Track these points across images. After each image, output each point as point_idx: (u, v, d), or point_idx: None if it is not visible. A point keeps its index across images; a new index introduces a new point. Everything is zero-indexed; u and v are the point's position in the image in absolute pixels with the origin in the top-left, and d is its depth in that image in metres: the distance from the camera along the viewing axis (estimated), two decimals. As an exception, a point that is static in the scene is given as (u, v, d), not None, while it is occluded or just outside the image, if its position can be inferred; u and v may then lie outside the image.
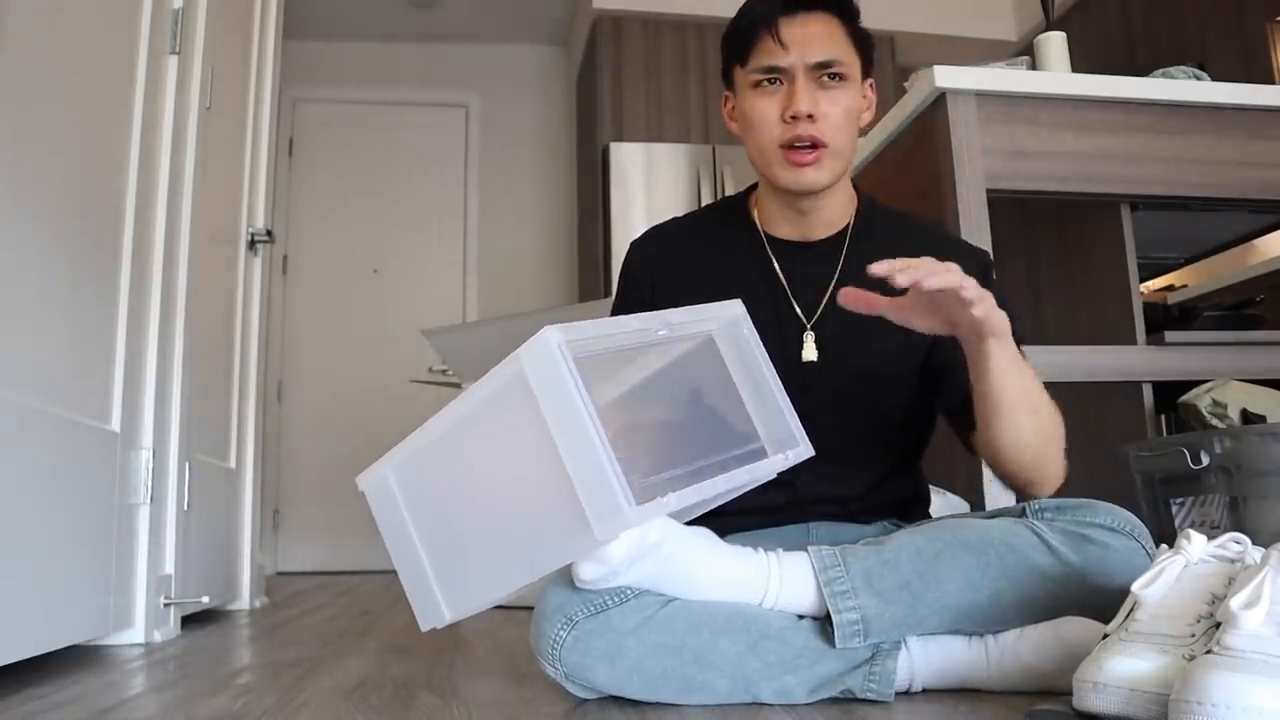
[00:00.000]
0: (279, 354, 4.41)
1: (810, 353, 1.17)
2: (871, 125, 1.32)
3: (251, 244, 2.48)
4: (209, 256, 2.09)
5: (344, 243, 4.63)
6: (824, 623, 0.99)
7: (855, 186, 1.27)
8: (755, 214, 1.27)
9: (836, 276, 1.20)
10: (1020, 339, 1.08)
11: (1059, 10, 3.29)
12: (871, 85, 1.22)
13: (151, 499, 1.70)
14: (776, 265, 1.22)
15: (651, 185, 3.80)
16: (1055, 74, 1.91)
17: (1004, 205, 1.80)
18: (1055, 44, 1.95)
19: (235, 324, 2.39)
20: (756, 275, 1.22)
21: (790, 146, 1.14)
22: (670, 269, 1.26)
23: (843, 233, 1.23)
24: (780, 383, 1.03)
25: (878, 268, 0.92)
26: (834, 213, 1.22)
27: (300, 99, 4.66)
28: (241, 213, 2.42)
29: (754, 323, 1.17)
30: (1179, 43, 3.30)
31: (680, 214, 1.34)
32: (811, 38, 1.14)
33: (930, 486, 1.32)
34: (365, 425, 4.31)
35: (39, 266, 1.35)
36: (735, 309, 1.03)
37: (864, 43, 1.19)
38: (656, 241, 1.29)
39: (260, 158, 2.53)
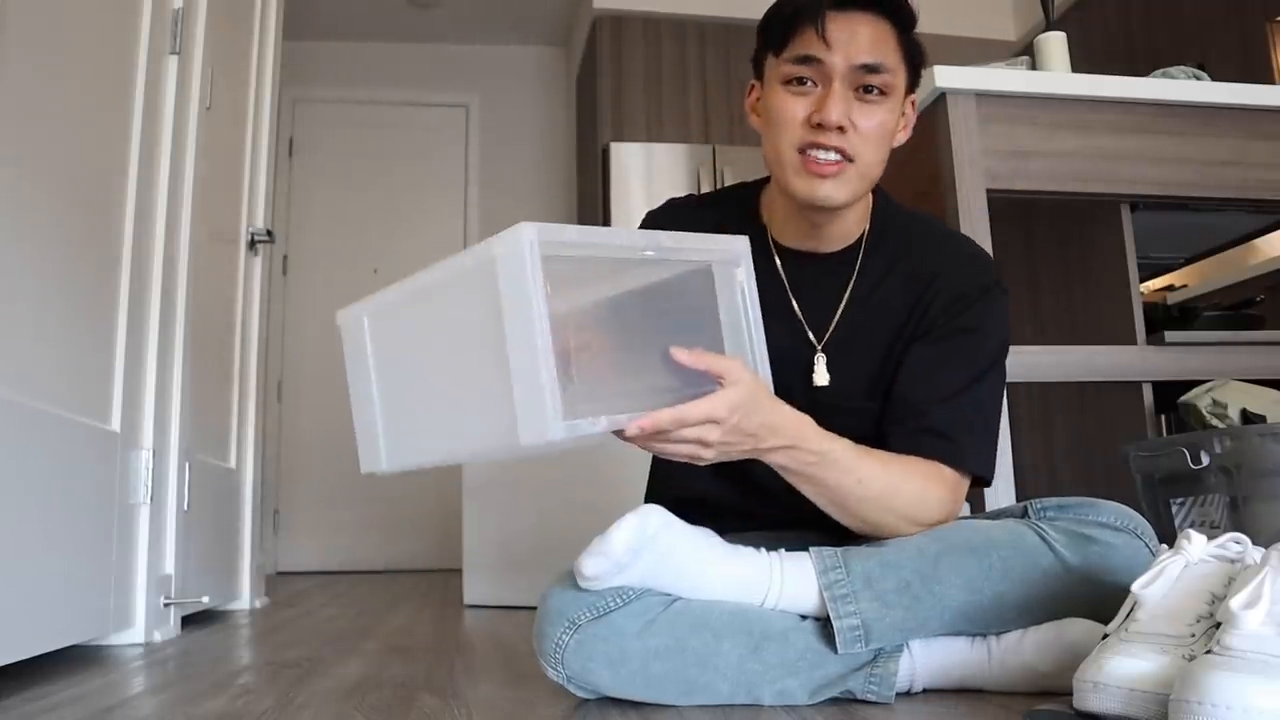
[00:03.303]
0: (279, 354, 4.40)
1: (822, 376, 1.11)
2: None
3: (251, 244, 2.48)
4: (209, 256, 2.09)
5: (344, 243, 4.63)
6: (826, 624, 0.99)
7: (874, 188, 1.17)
8: (765, 217, 1.18)
9: (848, 296, 1.13)
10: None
11: (1059, 10, 3.29)
12: (913, 103, 1.12)
13: (151, 499, 1.70)
14: (786, 282, 1.14)
15: (651, 185, 3.80)
16: (1055, 74, 1.91)
17: (1004, 205, 1.80)
18: (1055, 44, 1.95)
19: (235, 324, 2.39)
20: (766, 291, 1.07)
21: (810, 154, 1.03)
22: None
23: (856, 244, 1.14)
24: (763, 334, 0.99)
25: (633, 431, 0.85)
26: (846, 227, 1.13)
27: (300, 99, 4.66)
28: (241, 213, 2.42)
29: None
30: (1179, 43, 3.30)
31: (698, 194, 1.24)
32: (859, 38, 1.02)
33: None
34: (365, 425, 4.30)
35: (39, 266, 1.35)
36: (739, 245, 0.97)
37: (915, 55, 1.08)
38: (670, 220, 1.19)
39: (260, 158, 2.53)
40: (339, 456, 4.27)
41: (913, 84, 1.10)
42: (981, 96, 1.77)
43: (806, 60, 1.03)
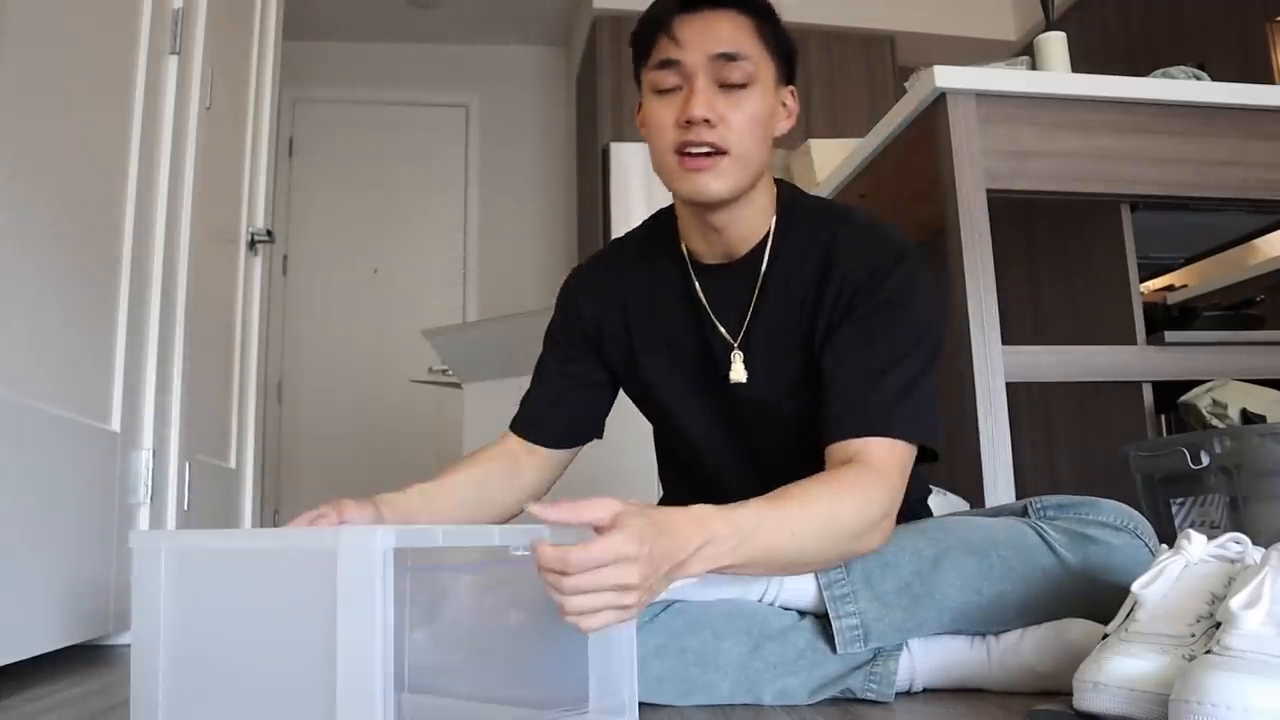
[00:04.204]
0: (279, 354, 4.41)
1: (739, 373, 1.10)
2: (791, 135, 1.15)
3: (251, 244, 2.48)
4: (209, 256, 2.09)
5: (344, 243, 4.63)
6: (825, 623, 0.99)
7: (779, 184, 1.16)
8: (682, 232, 1.17)
9: (756, 294, 1.11)
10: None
11: (1059, 10, 3.29)
12: (793, 93, 1.11)
13: (151, 499, 1.70)
14: (700, 289, 1.13)
15: (651, 185, 3.79)
16: (1055, 74, 1.91)
17: (1004, 205, 1.80)
18: (1055, 44, 1.94)
19: (235, 324, 2.39)
20: (680, 302, 1.14)
21: (685, 152, 1.03)
22: (599, 306, 1.20)
23: (763, 242, 1.12)
24: (634, 645, 0.88)
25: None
26: (749, 226, 1.11)
27: (300, 99, 4.66)
28: (241, 213, 2.42)
29: (682, 351, 1.13)
30: (1179, 42, 3.30)
31: (621, 238, 1.25)
32: (712, 33, 1.03)
33: (930, 486, 1.31)
34: (365, 425, 4.31)
35: (39, 266, 1.35)
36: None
37: (781, 45, 1.08)
38: (585, 279, 1.23)
39: (260, 158, 2.53)
40: (339, 456, 4.27)
41: (786, 75, 1.10)
42: (981, 96, 1.77)
43: (666, 65, 1.04)
